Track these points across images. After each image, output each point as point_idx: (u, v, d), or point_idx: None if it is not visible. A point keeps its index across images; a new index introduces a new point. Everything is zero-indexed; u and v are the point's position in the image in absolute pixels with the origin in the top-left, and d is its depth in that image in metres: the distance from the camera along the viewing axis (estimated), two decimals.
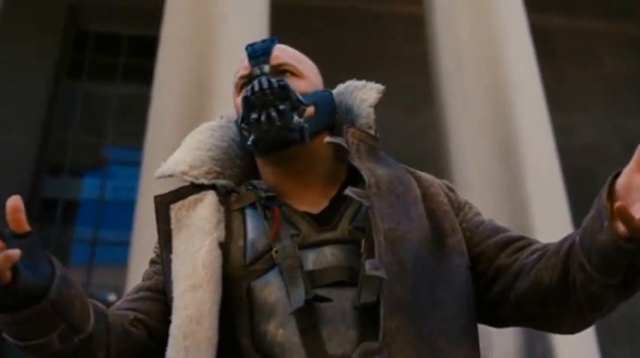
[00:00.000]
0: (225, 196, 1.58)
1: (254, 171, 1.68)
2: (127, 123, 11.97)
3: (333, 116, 1.65)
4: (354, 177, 1.57)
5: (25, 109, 11.51)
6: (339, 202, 1.54)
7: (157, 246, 1.62)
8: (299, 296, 1.36)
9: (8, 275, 1.16)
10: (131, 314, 1.50)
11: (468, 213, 1.61)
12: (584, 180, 8.72)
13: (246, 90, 1.53)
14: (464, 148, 7.03)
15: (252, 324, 1.41)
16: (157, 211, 1.57)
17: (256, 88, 1.51)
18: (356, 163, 1.51)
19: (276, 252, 1.44)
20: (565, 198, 6.65)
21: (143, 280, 1.62)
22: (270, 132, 1.49)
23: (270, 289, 1.42)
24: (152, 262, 1.64)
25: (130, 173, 10.56)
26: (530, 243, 1.52)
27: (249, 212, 1.54)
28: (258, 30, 6.66)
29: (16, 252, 1.13)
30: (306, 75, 1.65)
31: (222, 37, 6.65)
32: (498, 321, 1.56)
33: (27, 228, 1.20)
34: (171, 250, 1.50)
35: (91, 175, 13.17)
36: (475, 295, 1.50)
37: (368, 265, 1.31)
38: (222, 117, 1.77)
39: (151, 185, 5.74)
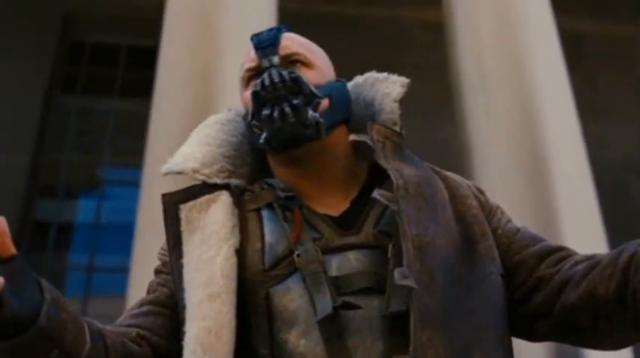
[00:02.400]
0: (238, 196, 1.58)
1: (266, 168, 1.68)
2: (125, 141, 12.03)
3: (348, 108, 1.65)
4: (376, 176, 1.57)
5: (16, 126, 11.58)
6: (360, 204, 1.54)
7: (163, 251, 1.62)
8: (325, 303, 1.35)
9: None
10: (133, 331, 1.50)
11: (501, 219, 1.61)
12: (619, 197, 8.70)
13: (256, 85, 1.53)
14: (488, 163, 7.02)
15: (271, 333, 1.39)
16: (165, 211, 1.56)
17: (267, 82, 1.51)
18: (382, 163, 1.50)
19: (298, 255, 1.42)
20: (598, 215, 6.62)
21: (147, 292, 1.62)
22: (284, 129, 1.49)
23: (292, 296, 1.40)
24: (157, 272, 1.64)
25: (128, 194, 10.60)
26: (571, 253, 1.53)
27: (265, 213, 1.53)
28: None
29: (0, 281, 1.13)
30: (317, 65, 1.65)
31: (227, 48, 6.68)
32: (536, 335, 1.55)
33: (12, 251, 1.19)
34: (181, 255, 1.49)
35: (86, 197, 13.22)
36: (511, 306, 1.50)
37: (397, 274, 1.30)
38: (230, 110, 1.77)
39: (151, 207, 5.75)
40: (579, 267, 1.44)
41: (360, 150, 1.62)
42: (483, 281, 1.44)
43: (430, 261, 1.36)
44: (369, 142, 1.54)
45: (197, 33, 6.87)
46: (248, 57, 1.66)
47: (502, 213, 1.64)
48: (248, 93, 1.58)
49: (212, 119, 1.73)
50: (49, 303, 1.26)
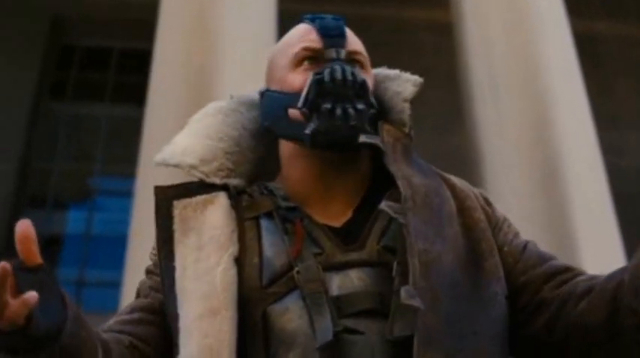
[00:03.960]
0: (236, 199, 1.56)
1: (266, 166, 1.67)
2: (118, 149, 12.04)
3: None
4: (379, 182, 1.56)
5: (3, 133, 11.60)
6: (363, 213, 1.52)
7: (154, 250, 1.60)
8: (326, 326, 1.33)
9: (22, 320, 1.15)
10: (126, 340, 1.48)
11: (508, 234, 1.60)
12: (637, 207, 8.69)
13: (323, 73, 1.50)
14: (499, 173, 7.02)
15: (267, 354, 1.38)
16: (158, 206, 1.55)
17: (338, 75, 1.49)
18: (393, 169, 1.48)
19: (297, 273, 1.41)
20: (616, 227, 6.61)
21: (137, 294, 1.61)
22: (342, 130, 1.47)
23: (290, 316, 1.38)
24: (149, 272, 1.62)
25: (121, 204, 10.61)
26: (575, 275, 1.51)
27: (264, 223, 1.51)
28: (264, 42, 6.69)
29: (33, 297, 1.12)
30: (369, 71, 1.65)
31: (225, 50, 6.69)
32: (539, 356, 1.54)
33: (39, 260, 1.18)
34: (172, 256, 1.48)
35: (76, 207, 13.23)
36: (514, 328, 1.49)
37: (403, 293, 1.29)
38: (232, 97, 1.74)
39: (144, 218, 5.75)
40: (578, 289, 1.44)
41: (369, 153, 1.61)
42: (488, 303, 1.43)
43: (435, 279, 1.35)
44: (381, 146, 1.52)
45: (193, 35, 6.88)
46: (305, 35, 1.62)
47: (509, 226, 1.62)
48: (299, 76, 1.56)
49: (214, 108, 1.70)
50: (72, 320, 1.26)
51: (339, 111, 1.47)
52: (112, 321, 1.57)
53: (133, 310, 1.57)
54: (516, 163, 6.89)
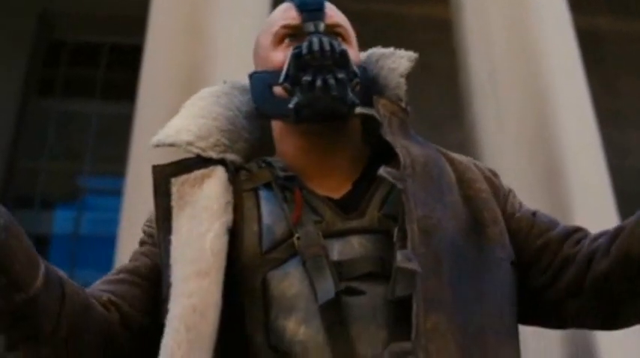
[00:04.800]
0: (233, 173, 1.59)
1: (263, 147, 1.69)
2: (107, 147, 12.04)
3: (367, 92, 1.65)
4: (379, 156, 1.59)
5: None
6: (362, 185, 1.56)
7: (149, 223, 1.64)
8: (327, 287, 1.35)
9: None
10: (105, 296, 1.50)
11: (515, 203, 1.65)
12: None
13: (301, 47, 1.54)
14: (499, 171, 6.95)
15: (267, 320, 1.40)
16: (156, 183, 1.57)
17: (315, 47, 1.52)
18: (389, 138, 1.52)
19: (298, 238, 1.43)
20: None
21: (130, 261, 1.64)
22: (323, 101, 1.50)
23: (291, 281, 1.41)
24: (142, 243, 1.65)
25: (110, 204, 10.60)
26: (587, 233, 1.57)
27: (263, 193, 1.54)
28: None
29: None
30: (353, 43, 1.69)
31: (217, 45, 6.70)
32: (563, 319, 1.58)
33: None
34: (170, 230, 1.50)
35: (64, 207, 13.23)
36: (537, 292, 1.54)
37: (400, 256, 1.31)
38: (225, 82, 1.79)
39: (134, 218, 5.75)
40: (601, 239, 1.48)
41: (365, 125, 1.65)
42: (493, 267, 1.46)
43: (436, 244, 1.38)
44: (377, 116, 1.56)
45: (185, 30, 6.88)
46: (284, 13, 1.67)
47: (514, 196, 1.67)
48: (281, 53, 1.61)
49: (206, 91, 1.75)
50: (1, 228, 1.26)
51: (319, 82, 1.50)
52: (97, 281, 1.59)
53: (120, 271, 1.60)
54: (517, 162, 6.90)
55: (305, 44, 1.53)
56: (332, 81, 1.50)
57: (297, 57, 1.53)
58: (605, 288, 1.46)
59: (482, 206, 1.53)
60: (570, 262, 1.51)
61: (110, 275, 1.59)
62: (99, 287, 1.54)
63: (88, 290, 1.50)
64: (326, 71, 1.51)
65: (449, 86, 8.89)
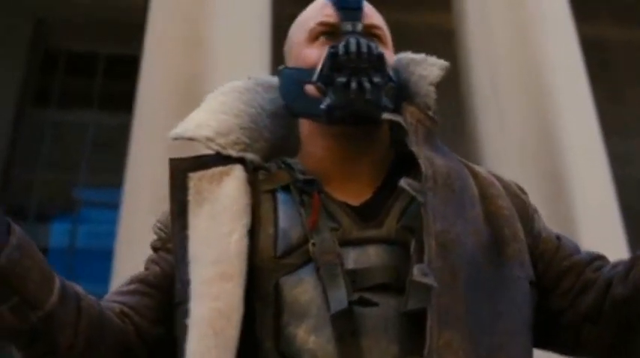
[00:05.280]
0: (252, 173, 1.58)
1: (285, 147, 1.69)
2: (104, 158, 12.04)
3: (399, 96, 1.64)
4: (402, 164, 1.58)
5: None
6: (383, 193, 1.55)
7: (160, 224, 1.63)
8: (340, 297, 1.35)
9: None
10: (117, 307, 1.51)
11: (540, 223, 1.65)
12: None
13: (337, 47, 1.52)
14: None
15: (278, 325, 1.40)
16: (173, 177, 1.57)
17: (352, 48, 1.51)
18: (414, 149, 1.51)
19: (313, 244, 1.43)
20: (623, 238, 6.62)
21: (144, 268, 1.63)
22: (357, 104, 1.49)
23: (304, 287, 1.40)
24: (154, 248, 1.65)
25: (107, 216, 10.59)
26: (608, 261, 1.59)
27: (280, 196, 1.54)
28: (258, 48, 6.70)
29: None
30: (389, 45, 1.68)
31: (216, 55, 6.70)
32: (581, 344, 1.57)
33: None
34: (186, 225, 1.50)
35: (60, 219, 13.22)
36: (556, 314, 1.54)
37: (416, 270, 1.30)
38: (250, 78, 1.77)
39: (131, 230, 5.75)
40: (620, 266, 1.49)
41: (394, 133, 1.64)
42: (511, 286, 1.46)
43: (453, 259, 1.37)
44: (403, 123, 1.55)
45: (183, 40, 6.89)
46: (321, 10, 1.65)
47: (539, 216, 1.67)
48: (315, 51, 1.59)
49: (229, 86, 1.73)
50: (14, 247, 1.29)
51: (354, 84, 1.49)
52: (110, 292, 1.60)
53: (131, 282, 1.60)
54: (520, 171, 6.90)
55: (342, 44, 1.52)
56: (367, 84, 1.49)
57: (332, 57, 1.51)
58: (622, 314, 1.46)
59: (503, 223, 1.52)
60: (590, 287, 1.52)
61: (123, 286, 1.60)
62: (112, 299, 1.56)
63: (103, 303, 1.51)
64: (362, 73, 1.50)
65: (451, 95, 8.88)
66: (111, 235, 6.74)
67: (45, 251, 12.55)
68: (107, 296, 1.58)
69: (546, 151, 6.95)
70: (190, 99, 6.37)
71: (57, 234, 12.98)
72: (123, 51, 12.54)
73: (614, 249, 6.46)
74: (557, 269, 1.57)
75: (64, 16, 13.04)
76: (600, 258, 1.60)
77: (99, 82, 13.41)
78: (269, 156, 1.66)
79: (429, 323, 1.29)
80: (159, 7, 7.39)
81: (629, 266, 1.46)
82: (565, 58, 7.62)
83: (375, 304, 1.35)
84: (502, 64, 7.59)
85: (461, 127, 8.30)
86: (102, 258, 8.11)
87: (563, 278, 1.56)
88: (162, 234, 1.63)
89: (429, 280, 1.29)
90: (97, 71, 13.50)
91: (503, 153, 7.16)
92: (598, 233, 6.50)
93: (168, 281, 1.54)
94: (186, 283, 1.44)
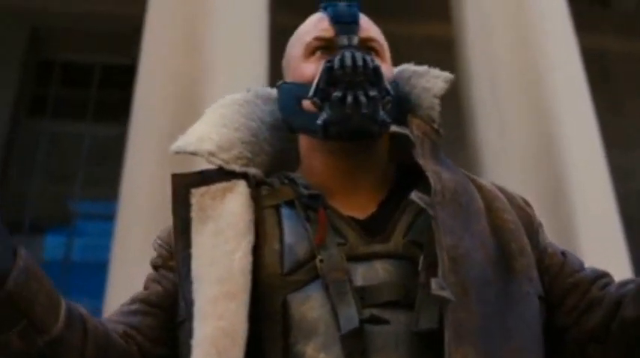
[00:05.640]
0: (255, 188, 1.59)
1: (284, 160, 1.70)
2: (99, 170, 12.03)
3: (398, 109, 1.65)
4: (405, 178, 1.60)
5: None
6: (389, 207, 1.56)
7: (161, 241, 1.64)
8: (350, 315, 1.35)
9: None
10: (120, 328, 1.52)
11: (545, 238, 1.66)
12: None
13: (333, 61, 1.52)
14: None
15: (286, 343, 1.40)
16: (175, 193, 1.57)
17: (348, 62, 1.51)
18: (421, 162, 1.52)
19: (321, 261, 1.43)
20: (625, 253, 6.61)
21: (144, 288, 1.64)
22: (353, 119, 1.49)
23: (312, 304, 1.40)
24: (154, 266, 1.65)
25: (102, 229, 10.57)
26: (613, 279, 1.59)
27: (285, 211, 1.54)
28: (257, 60, 6.70)
29: None
30: (387, 58, 1.69)
31: (213, 66, 6.70)
32: None
33: None
34: (189, 243, 1.49)
35: (55, 232, 13.19)
36: (561, 330, 1.54)
37: (434, 284, 1.30)
38: (249, 91, 1.78)
39: (126, 244, 5.74)
40: (631, 285, 1.48)
41: (397, 145, 1.65)
42: (520, 302, 1.45)
43: (465, 274, 1.37)
44: (411, 136, 1.56)
45: (180, 50, 6.89)
46: (317, 24, 1.66)
47: (544, 231, 1.68)
48: (311, 65, 1.60)
49: (229, 98, 1.74)
50: (21, 269, 1.30)
51: (349, 98, 1.49)
52: (112, 313, 1.61)
53: (133, 301, 1.61)
54: (520, 184, 6.89)
55: (337, 58, 1.52)
56: (363, 98, 1.49)
57: (328, 71, 1.52)
58: (631, 335, 1.46)
59: (509, 237, 1.53)
60: (597, 305, 1.52)
61: (125, 306, 1.61)
62: (114, 319, 1.56)
63: (107, 323, 1.52)
64: (357, 87, 1.50)
65: (451, 107, 8.89)
66: (106, 248, 6.73)
67: (39, 264, 12.52)
68: (110, 317, 1.59)
69: (547, 164, 6.95)
70: (187, 109, 6.37)
71: (52, 246, 12.95)
72: (118, 61, 12.55)
73: (616, 260, 6.47)
74: (562, 286, 1.57)
75: (59, 27, 13.04)
76: (605, 275, 1.60)
77: (94, 92, 13.41)
78: (270, 170, 1.67)
79: (446, 339, 1.29)
80: (156, 14, 7.39)
81: (638, 288, 1.45)
82: (566, 69, 7.63)
83: (387, 322, 1.36)
84: (502, 74, 7.60)
85: (461, 138, 8.30)
86: (97, 272, 8.09)
87: (568, 296, 1.56)
88: (164, 252, 1.63)
89: (447, 294, 1.30)
90: (93, 81, 13.50)
91: (504, 165, 7.16)
92: (599, 244, 6.50)
93: (171, 300, 1.55)
94: (189, 302, 1.44)
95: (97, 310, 6.26)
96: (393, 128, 1.58)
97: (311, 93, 1.55)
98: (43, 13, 12.80)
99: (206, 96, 6.33)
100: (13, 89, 12.53)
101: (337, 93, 1.50)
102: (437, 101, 1.64)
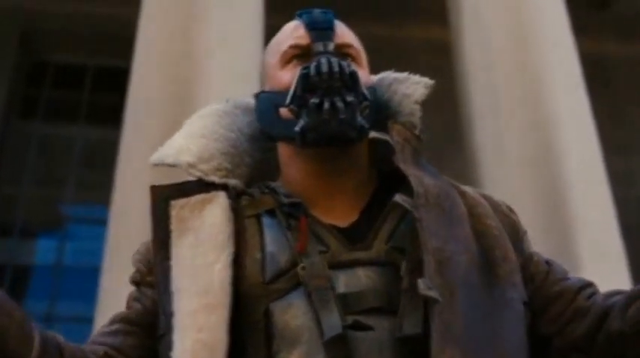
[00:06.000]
0: (235, 199, 1.59)
1: (264, 171, 1.70)
2: (91, 173, 12.03)
3: (377, 115, 1.66)
4: (386, 185, 1.60)
5: None
6: (370, 214, 1.56)
7: (139, 255, 1.64)
8: (333, 322, 1.36)
9: None
10: (101, 350, 1.52)
11: (530, 246, 1.66)
12: None
13: (309, 67, 1.53)
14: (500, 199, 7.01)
15: (269, 353, 1.40)
16: (154, 205, 1.58)
17: (324, 68, 1.51)
18: (402, 167, 1.52)
19: (303, 268, 1.44)
20: (624, 260, 6.62)
21: (126, 306, 1.65)
22: (331, 125, 1.50)
23: (294, 312, 1.41)
24: (134, 283, 1.65)
25: (94, 233, 10.56)
26: (598, 289, 1.60)
27: (266, 220, 1.54)
28: (251, 62, 6.71)
29: None
30: (364, 64, 1.69)
31: (207, 69, 6.70)
32: None
33: None
34: (168, 255, 1.50)
35: (46, 236, 13.18)
36: (547, 338, 1.55)
37: (421, 284, 1.31)
38: (228, 101, 1.78)
39: (118, 248, 5.74)
40: (618, 297, 1.50)
41: (376, 152, 1.66)
42: (505, 307, 1.47)
43: (450, 277, 1.38)
44: (391, 141, 1.57)
45: (174, 53, 6.89)
46: (293, 32, 1.67)
47: (528, 239, 1.68)
48: (288, 73, 1.61)
49: (208, 109, 1.74)
50: None
51: (326, 104, 1.50)
52: (94, 334, 1.61)
53: (112, 321, 1.61)
54: (518, 191, 6.91)
55: (313, 65, 1.53)
56: (340, 104, 1.49)
57: (304, 78, 1.53)
58: (617, 347, 1.47)
59: (493, 243, 1.54)
60: (583, 315, 1.53)
61: (105, 327, 1.61)
62: (95, 340, 1.57)
63: (85, 346, 1.53)
64: (334, 93, 1.50)
65: (449, 112, 8.91)
66: (98, 252, 6.72)
67: (31, 269, 12.52)
68: (91, 338, 1.59)
69: (545, 171, 6.96)
70: (180, 113, 6.35)
71: (43, 250, 12.95)
72: (111, 63, 12.55)
73: (614, 266, 6.47)
74: (546, 294, 1.58)
75: (51, 28, 13.04)
76: (591, 285, 1.61)
77: (86, 94, 13.41)
78: (250, 182, 1.67)
79: (433, 341, 1.30)
80: (150, 16, 7.40)
81: (630, 298, 1.46)
82: (565, 76, 7.64)
83: (370, 328, 1.37)
84: (500, 81, 7.61)
85: (459, 142, 8.31)
86: (89, 276, 8.09)
87: (552, 304, 1.57)
88: (142, 267, 1.63)
89: (434, 294, 1.31)
90: (85, 84, 13.50)
91: (502, 170, 7.17)
92: (598, 251, 6.51)
93: (151, 318, 1.55)
94: (169, 315, 1.45)
95: (89, 316, 6.25)
96: (373, 134, 1.59)
97: (288, 100, 1.55)
98: (35, 13, 12.80)
99: (200, 100, 6.34)
100: (4, 90, 12.53)
101: (314, 100, 1.51)
102: (417, 107, 1.65)
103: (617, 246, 6.70)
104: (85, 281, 9.61)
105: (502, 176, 7.13)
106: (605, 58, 12.85)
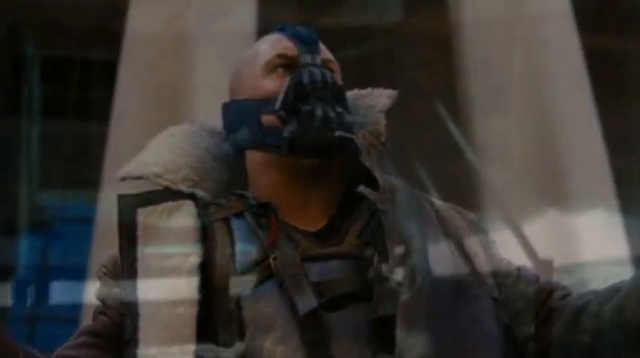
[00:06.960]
0: (203, 209, 1.63)
1: (231, 189, 1.74)
2: (78, 170, 12.01)
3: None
4: (354, 196, 1.64)
5: None
6: (339, 220, 1.64)
7: (105, 269, 1.69)
8: (307, 300, 1.42)
9: None
10: None
11: (499, 254, 1.73)
12: None
13: (302, 76, 1.61)
14: (500, 204, 7.03)
15: (243, 340, 1.45)
16: (120, 214, 1.63)
17: (318, 77, 1.60)
18: (367, 165, 1.61)
19: (274, 258, 1.50)
20: (630, 264, 6.63)
21: (92, 320, 1.69)
22: (321, 133, 1.57)
23: (267, 301, 1.47)
24: (101, 300, 1.69)
25: (81, 232, 10.55)
26: (572, 291, 1.66)
27: (235, 222, 1.60)
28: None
29: None
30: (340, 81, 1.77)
31: (198, 63, 6.70)
32: None
33: None
34: (134, 260, 1.55)
35: (31, 235, 13.16)
36: (523, 341, 1.60)
37: (384, 268, 1.41)
38: (193, 123, 1.85)
39: (106, 247, 5.73)
40: (592, 297, 1.56)
41: (345, 165, 1.71)
42: (469, 304, 1.53)
43: (415, 266, 1.45)
44: (356, 140, 1.62)
45: (164, 46, 6.89)
46: (278, 43, 1.74)
47: (496, 246, 1.75)
48: (273, 82, 1.67)
49: (175, 129, 1.81)
50: None
51: (319, 113, 1.57)
52: (61, 347, 1.65)
53: (80, 334, 1.66)
54: (520, 191, 6.91)
55: (306, 73, 1.61)
56: (332, 113, 1.57)
57: (297, 85, 1.59)
58: (592, 345, 1.51)
59: (460, 241, 1.61)
60: (557, 316, 1.58)
61: (72, 340, 1.65)
62: (62, 354, 1.62)
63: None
64: (326, 103, 1.58)
65: (446, 110, 8.92)
66: (85, 252, 6.72)
67: (14, 268, 12.49)
68: (61, 350, 1.63)
69: (547, 169, 6.97)
70: (170, 108, 6.38)
71: (28, 250, 12.92)
72: (99, 57, 12.54)
73: (621, 272, 6.47)
74: (519, 297, 1.63)
75: (35, 20, 13.02)
76: (564, 287, 1.66)
77: (73, 89, 13.39)
78: (217, 196, 1.71)
79: (398, 324, 1.37)
80: (138, 11, 7.39)
81: (604, 299, 1.52)
82: (569, 71, 7.65)
83: (345, 306, 1.45)
84: (501, 77, 7.61)
85: (458, 152, 8.31)
86: (75, 276, 8.08)
87: (527, 306, 1.62)
88: (107, 279, 1.68)
89: (397, 275, 1.40)
90: (72, 78, 13.48)
91: (503, 167, 7.17)
92: (603, 251, 6.52)
93: (117, 329, 1.60)
94: (135, 316, 1.49)
95: (75, 317, 6.26)
96: (339, 133, 1.62)
97: (278, 105, 1.61)
98: (20, 5, 12.78)
99: (190, 97, 6.35)
100: None
101: (306, 107, 1.57)
102: (382, 116, 1.74)
103: (620, 241, 6.71)
104: (70, 280, 9.59)
105: (503, 173, 7.13)
106: (610, 55, 12.85)
